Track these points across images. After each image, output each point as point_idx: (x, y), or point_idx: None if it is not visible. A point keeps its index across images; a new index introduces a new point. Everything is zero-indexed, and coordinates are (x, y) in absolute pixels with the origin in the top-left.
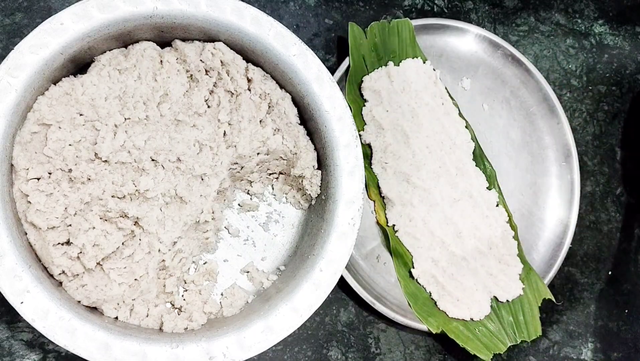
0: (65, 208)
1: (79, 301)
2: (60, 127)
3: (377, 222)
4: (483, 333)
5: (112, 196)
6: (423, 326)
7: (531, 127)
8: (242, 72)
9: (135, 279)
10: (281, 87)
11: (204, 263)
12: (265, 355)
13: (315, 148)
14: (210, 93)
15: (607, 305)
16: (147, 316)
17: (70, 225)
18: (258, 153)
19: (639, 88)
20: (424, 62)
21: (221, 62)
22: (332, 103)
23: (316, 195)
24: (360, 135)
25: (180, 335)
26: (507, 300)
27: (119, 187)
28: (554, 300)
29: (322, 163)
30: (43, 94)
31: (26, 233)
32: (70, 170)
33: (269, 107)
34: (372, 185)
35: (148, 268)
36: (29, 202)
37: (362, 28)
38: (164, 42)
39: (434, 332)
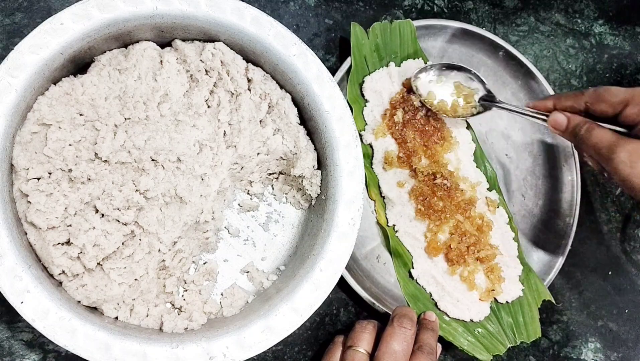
0: (65, 208)
1: (79, 302)
2: (60, 127)
3: (377, 222)
4: (482, 334)
5: (113, 196)
6: None
7: (532, 128)
8: (242, 72)
9: (136, 279)
10: (281, 87)
11: (204, 263)
12: (266, 355)
13: (315, 149)
14: (210, 94)
15: (607, 305)
16: (147, 316)
17: (70, 225)
18: (258, 154)
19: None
20: (425, 63)
21: (221, 62)
22: (332, 103)
23: (316, 195)
24: (361, 135)
25: (180, 335)
26: (507, 302)
27: (119, 187)
28: (553, 301)
29: (322, 163)
30: (43, 94)
31: (26, 233)
32: (70, 170)
33: (269, 107)
34: (372, 185)
35: (148, 268)
36: (29, 202)
37: (362, 28)
38: (164, 42)
39: None
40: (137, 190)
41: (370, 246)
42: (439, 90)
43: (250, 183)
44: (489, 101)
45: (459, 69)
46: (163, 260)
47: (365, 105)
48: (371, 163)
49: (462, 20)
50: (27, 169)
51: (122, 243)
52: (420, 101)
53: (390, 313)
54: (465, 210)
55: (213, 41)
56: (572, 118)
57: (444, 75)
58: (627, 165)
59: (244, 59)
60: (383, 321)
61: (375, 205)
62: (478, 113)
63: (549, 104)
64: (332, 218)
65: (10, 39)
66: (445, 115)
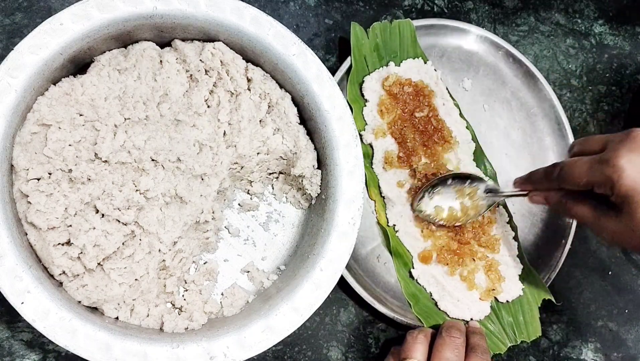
0: (66, 209)
1: (80, 302)
2: (60, 128)
3: (378, 222)
4: None
5: (113, 196)
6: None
7: (532, 127)
8: (242, 71)
9: (136, 279)
10: (281, 86)
11: (204, 263)
12: (266, 355)
13: (315, 148)
14: (210, 93)
15: (607, 305)
16: (148, 316)
17: (70, 225)
18: (258, 153)
19: (639, 88)
20: (425, 63)
21: (221, 62)
22: (332, 102)
23: (316, 195)
24: (361, 135)
25: (181, 335)
26: (507, 301)
27: (119, 187)
28: (553, 300)
29: (322, 162)
30: (43, 94)
31: (26, 234)
32: (70, 171)
33: (269, 106)
34: (372, 185)
35: (148, 268)
36: (29, 203)
37: (362, 28)
38: (163, 42)
39: None
40: (137, 190)
41: (370, 246)
42: (442, 201)
43: (250, 183)
44: (493, 191)
45: (454, 178)
46: (163, 260)
47: (365, 105)
48: (371, 163)
49: (462, 20)
50: (27, 169)
51: (123, 243)
52: (429, 220)
53: (391, 313)
54: None
55: (213, 41)
56: (549, 198)
57: (443, 189)
58: (613, 243)
59: (243, 58)
60: (383, 320)
61: (375, 205)
62: (488, 207)
63: (527, 186)
64: (332, 217)
65: (10, 39)
66: (459, 223)
